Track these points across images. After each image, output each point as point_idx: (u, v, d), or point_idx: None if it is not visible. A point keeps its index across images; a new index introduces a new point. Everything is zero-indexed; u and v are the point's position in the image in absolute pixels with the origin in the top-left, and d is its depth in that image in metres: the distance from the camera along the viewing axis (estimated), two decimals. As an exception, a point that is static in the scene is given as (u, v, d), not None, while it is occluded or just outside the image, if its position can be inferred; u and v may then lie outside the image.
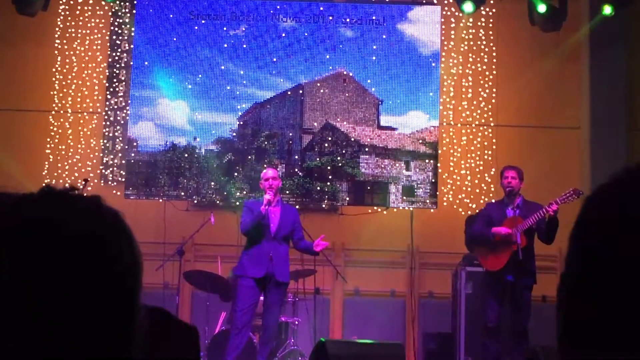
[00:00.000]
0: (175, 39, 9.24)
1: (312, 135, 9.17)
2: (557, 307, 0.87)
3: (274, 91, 9.22)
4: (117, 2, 9.40)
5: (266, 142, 9.15)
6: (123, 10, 9.43)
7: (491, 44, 9.43)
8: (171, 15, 9.27)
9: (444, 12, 9.38)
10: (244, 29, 9.25)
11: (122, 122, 9.31)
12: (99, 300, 0.88)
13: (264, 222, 6.89)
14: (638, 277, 0.79)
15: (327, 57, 9.21)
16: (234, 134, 9.19)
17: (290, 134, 9.18)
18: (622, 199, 0.84)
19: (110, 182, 9.23)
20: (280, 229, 6.95)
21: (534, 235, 6.95)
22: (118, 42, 9.41)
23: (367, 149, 9.15)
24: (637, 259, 0.80)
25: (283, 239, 6.96)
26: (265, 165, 9.04)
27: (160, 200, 9.02)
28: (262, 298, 7.02)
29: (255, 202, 7.07)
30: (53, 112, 9.33)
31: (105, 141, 9.31)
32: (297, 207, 8.70)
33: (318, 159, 9.09)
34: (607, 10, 8.77)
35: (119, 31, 9.42)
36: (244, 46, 9.23)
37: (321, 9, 9.24)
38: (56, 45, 9.41)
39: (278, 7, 9.24)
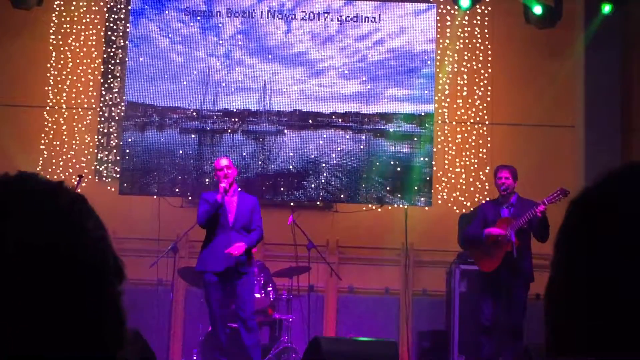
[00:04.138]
0: (170, 36, 9.22)
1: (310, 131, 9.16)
2: (544, 311, 0.87)
3: (270, 90, 9.21)
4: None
5: (262, 141, 9.14)
6: (118, 6, 9.41)
7: (486, 42, 9.44)
8: (166, 12, 9.25)
9: (440, 10, 9.38)
10: (239, 26, 9.24)
11: (116, 118, 9.30)
12: (64, 284, 0.85)
13: (220, 213, 6.78)
14: (622, 282, 0.80)
15: (322, 54, 9.20)
16: (229, 131, 9.17)
17: (286, 132, 9.17)
18: (607, 203, 0.84)
19: (104, 179, 9.21)
20: (238, 219, 6.85)
21: (529, 235, 6.94)
22: (113, 38, 9.39)
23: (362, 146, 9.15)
24: (621, 263, 0.80)
25: (242, 229, 6.85)
26: (260, 163, 9.04)
27: (155, 196, 9.00)
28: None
29: (213, 193, 6.97)
30: (47, 108, 9.31)
31: (99, 137, 9.30)
32: (291, 204, 8.70)
33: (313, 156, 9.09)
34: (607, 8, 8.76)
35: (114, 27, 9.39)
36: (239, 43, 9.22)
37: (317, 6, 9.23)
38: (51, 40, 9.39)
39: (274, 4, 9.23)
